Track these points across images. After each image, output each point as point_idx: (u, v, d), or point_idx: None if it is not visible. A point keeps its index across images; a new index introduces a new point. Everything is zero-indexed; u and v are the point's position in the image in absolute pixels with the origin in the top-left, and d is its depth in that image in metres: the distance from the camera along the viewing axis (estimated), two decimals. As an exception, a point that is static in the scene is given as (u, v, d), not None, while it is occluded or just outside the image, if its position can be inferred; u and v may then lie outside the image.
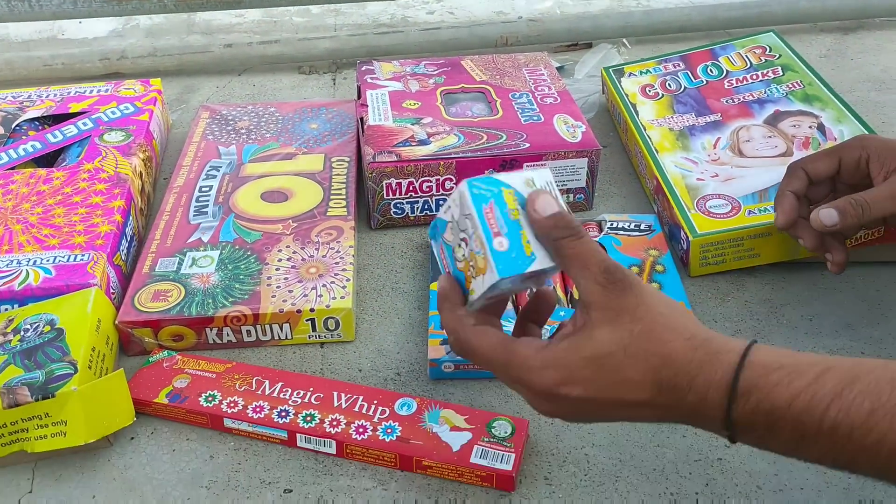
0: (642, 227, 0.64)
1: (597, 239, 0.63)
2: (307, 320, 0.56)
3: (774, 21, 1.00)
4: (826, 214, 0.52)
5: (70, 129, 0.73)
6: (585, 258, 0.38)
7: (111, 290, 0.58)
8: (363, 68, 0.80)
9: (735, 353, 0.36)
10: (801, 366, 0.35)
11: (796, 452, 0.35)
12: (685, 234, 0.61)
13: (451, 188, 0.67)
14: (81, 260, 0.57)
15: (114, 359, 0.55)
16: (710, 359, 0.36)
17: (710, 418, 0.36)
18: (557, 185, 0.68)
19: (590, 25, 1.00)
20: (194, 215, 0.65)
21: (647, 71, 0.81)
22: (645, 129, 0.73)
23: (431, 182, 0.67)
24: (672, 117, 0.74)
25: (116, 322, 0.55)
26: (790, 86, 0.73)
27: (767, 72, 0.75)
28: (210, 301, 0.56)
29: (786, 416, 0.34)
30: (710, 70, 0.78)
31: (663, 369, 0.36)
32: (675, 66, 0.80)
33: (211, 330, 0.56)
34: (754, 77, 0.75)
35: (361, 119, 0.72)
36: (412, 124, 0.70)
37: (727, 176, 0.65)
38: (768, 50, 0.78)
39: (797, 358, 0.36)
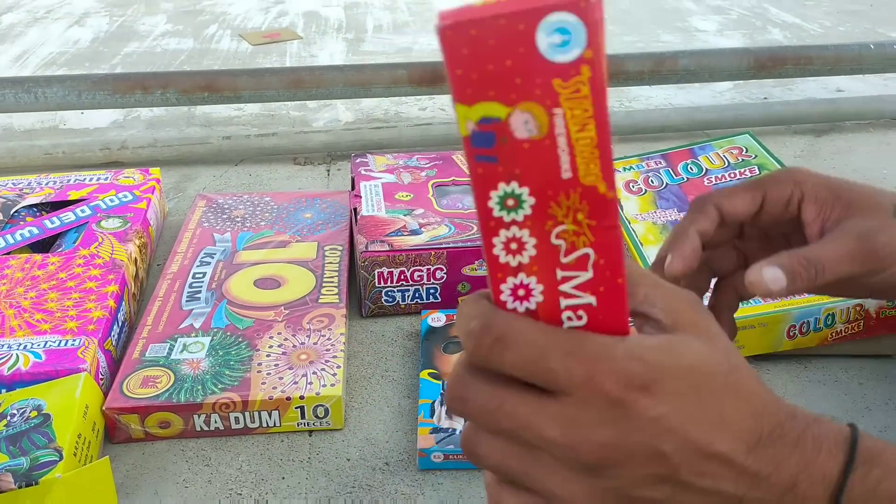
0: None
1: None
2: (296, 407, 0.56)
3: (750, 123, 1.05)
4: (772, 276, 0.38)
5: (68, 216, 0.75)
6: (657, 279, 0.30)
7: (100, 376, 0.58)
8: (357, 160, 0.83)
9: (837, 423, 0.30)
10: None
11: None
12: (670, 325, 0.62)
13: (442, 277, 0.68)
14: (72, 345, 0.58)
15: (99, 446, 0.55)
16: (814, 419, 0.29)
17: (812, 494, 0.28)
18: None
19: (575, 124, 1.04)
20: (187, 301, 0.66)
21: (631, 168, 0.84)
22: (630, 223, 0.75)
23: (422, 271, 0.68)
24: (655, 212, 0.76)
25: (104, 408, 0.55)
26: (767, 184, 0.76)
27: (745, 171, 0.79)
28: (199, 387, 0.56)
29: None
30: (691, 168, 0.82)
31: (765, 416, 0.28)
32: (656, 164, 0.83)
33: (199, 416, 0.56)
34: (732, 175, 0.79)
35: (355, 209, 0.74)
36: (404, 215, 0.72)
37: (710, 269, 0.67)
38: (745, 150, 0.82)
39: None
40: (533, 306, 0.28)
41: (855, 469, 0.28)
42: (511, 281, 0.28)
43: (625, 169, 0.84)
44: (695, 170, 0.81)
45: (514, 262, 0.27)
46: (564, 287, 0.28)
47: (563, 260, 0.27)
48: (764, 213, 0.44)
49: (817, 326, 0.60)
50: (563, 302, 0.28)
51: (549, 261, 0.27)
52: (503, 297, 0.28)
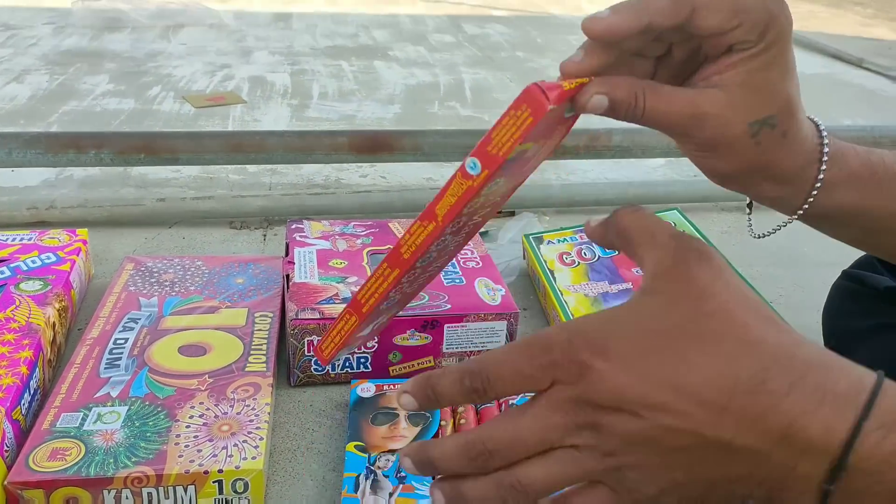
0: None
1: (514, 401, 0.63)
2: (214, 482, 0.54)
3: (680, 199, 1.09)
4: (597, 101, 0.38)
5: (-15, 277, 0.72)
6: (650, 227, 0.34)
7: (6, 448, 0.55)
8: (293, 226, 0.83)
9: (862, 369, 0.28)
10: None
11: None
12: (599, 397, 0.62)
13: (373, 347, 0.68)
14: (-24, 414, 0.54)
15: (-3, 524, 0.51)
16: (824, 361, 0.27)
17: (812, 448, 0.26)
18: (478, 346, 0.70)
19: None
20: (105, 368, 0.63)
21: (565, 239, 0.86)
22: (562, 295, 0.76)
23: (353, 340, 0.67)
24: (587, 284, 0.78)
25: (6, 483, 0.52)
26: (694, 259, 0.78)
27: (673, 245, 0.81)
28: (111, 460, 0.53)
29: None
30: (622, 241, 0.84)
31: (743, 361, 0.27)
32: (589, 237, 0.85)
33: (109, 492, 0.53)
34: (661, 249, 0.81)
35: (287, 276, 0.73)
36: (337, 283, 0.72)
37: (638, 342, 0.68)
38: (673, 226, 0.84)
39: None
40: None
41: (868, 430, 0.26)
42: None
43: (559, 241, 0.86)
44: (626, 243, 0.83)
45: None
46: None
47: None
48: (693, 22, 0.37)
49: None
50: None
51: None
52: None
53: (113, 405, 0.59)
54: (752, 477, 0.28)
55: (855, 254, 0.75)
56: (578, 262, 0.81)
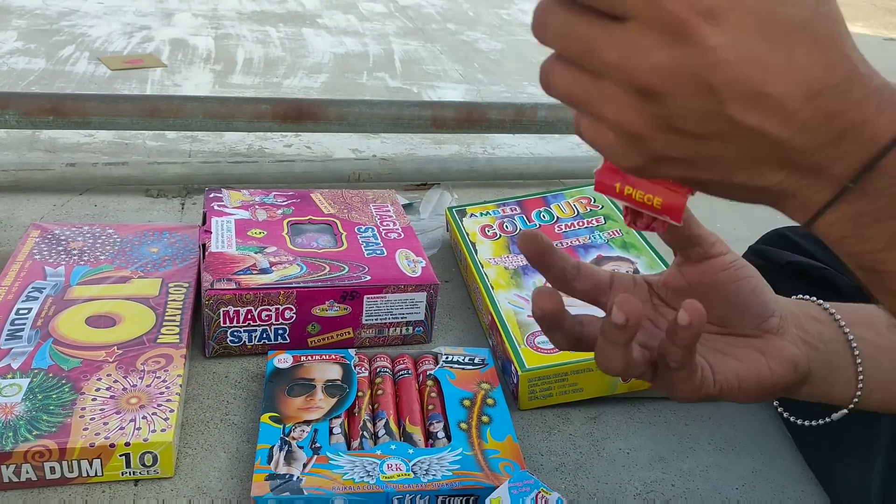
0: (476, 360, 0.66)
1: (432, 372, 0.64)
2: (121, 455, 0.52)
3: (602, 174, 1.10)
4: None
5: None
6: None
7: None
8: (211, 195, 0.81)
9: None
10: None
11: None
12: (515, 368, 0.63)
13: (291, 318, 0.67)
14: None
15: None
16: (886, 84, 0.29)
17: (855, 151, 0.28)
18: (398, 317, 0.70)
19: (437, 167, 1.06)
20: (6, 339, 0.61)
21: (487, 213, 0.86)
22: (482, 267, 0.77)
23: (271, 311, 0.66)
24: (508, 257, 0.79)
25: None
26: (610, 233, 0.80)
27: (592, 220, 0.83)
28: (10, 434, 0.51)
29: None
30: (543, 215, 0.85)
31: (837, 70, 0.28)
32: (512, 210, 0.86)
33: (7, 467, 0.51)
34: (580, 224, 0.82)
35: (204, 245, 0.71)
36: (255, 253, 0.70)
37: (555, 313, 0.69)
38: (593, 200, 0.86)
39: None
40: None
41: None
42: None
43: (482, 214, 0.86)
44: (547, 217, 0.84)
45: None
46: None
47: None
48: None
49: (649, 370, 0.64)
50: None
51: None
52: None
53: (14, 377, 0.57)
54: (786, 171, 0.30)
55: (763, 230, 0.78)
56: (500, 235, 0.82)
